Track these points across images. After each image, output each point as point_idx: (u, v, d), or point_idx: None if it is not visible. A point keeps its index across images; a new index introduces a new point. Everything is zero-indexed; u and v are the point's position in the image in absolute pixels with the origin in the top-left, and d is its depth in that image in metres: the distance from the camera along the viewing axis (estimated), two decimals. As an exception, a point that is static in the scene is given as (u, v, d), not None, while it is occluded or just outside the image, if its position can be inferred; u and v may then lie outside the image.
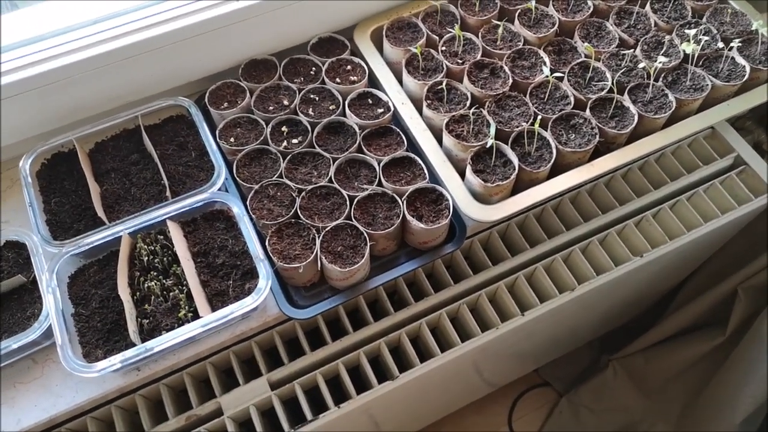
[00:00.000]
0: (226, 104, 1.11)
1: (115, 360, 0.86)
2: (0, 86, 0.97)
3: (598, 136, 1.02)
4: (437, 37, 1.16)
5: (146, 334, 0.89)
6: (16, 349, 0.89)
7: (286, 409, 1.20)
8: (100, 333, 0.91)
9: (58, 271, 0.93)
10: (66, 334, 0.87)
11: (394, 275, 1.02)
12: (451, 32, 1.15)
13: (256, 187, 1.01)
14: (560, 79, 1.09)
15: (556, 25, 1.16)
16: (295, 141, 1.07)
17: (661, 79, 1.09)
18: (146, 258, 0.95)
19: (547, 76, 1.06)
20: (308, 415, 1.14)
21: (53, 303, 0.89)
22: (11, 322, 0.91)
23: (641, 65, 1.09)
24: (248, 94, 1.12)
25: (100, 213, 0.98)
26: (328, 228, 0.97)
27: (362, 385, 1.17)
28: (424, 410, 1.72)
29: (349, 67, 1.16)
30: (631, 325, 1.99)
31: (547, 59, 1.11)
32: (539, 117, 1.04)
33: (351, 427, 1.30)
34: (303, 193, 1.00)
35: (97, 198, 1.00)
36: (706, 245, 1.47)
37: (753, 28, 1.13)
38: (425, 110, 1.08)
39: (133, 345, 0.89)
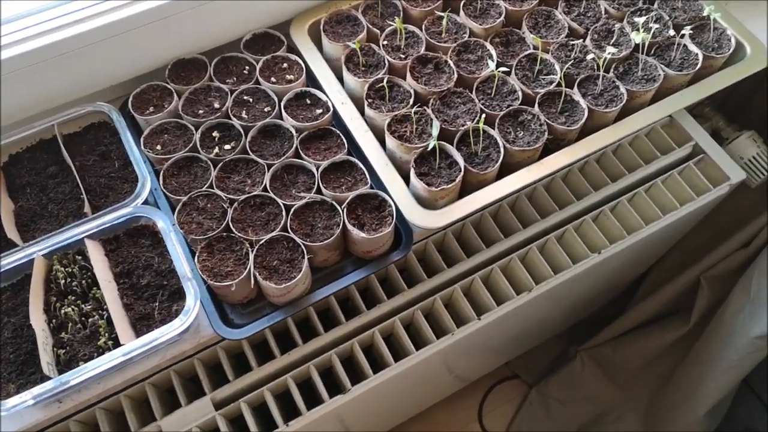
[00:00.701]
0: (151, 108, 1.03)
1: (27, 396, 0.78)
2: None
3: (547, 133, 0.97)
4: (378, 31, 1.10)
5: (63, 365, 0.82)
6: None
7: (235, 427, 1.14)
8: (12, 365, 0.83)
9: (-36, 299, 0.85)
10: (-29, 370, 0.80)
11: (336, 288, 0.96)
12: (392, 25, 1.09)
13: (185, 198, 0.94)
14: (507, 73, 1.03)
15: (503, 15, 1.10)
16: (227, 147, 1.00)
17: (611, 70, 1.04)
18: (63, 281, 0.87)
19: (493, 71, 1.00)
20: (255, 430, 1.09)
21: (-44, 337, 0.81)
22: None
23: (590, 56, 1.03)
24: (176, 97, 1.04)
25: (11, 233, 0.90)
26: (263, 241, 0.90)
27: (315, 398, 1.11)
28: (387, 414, 1.68)
29: (285, 65, 1.08)
30: (598, 316, 1.97)
31: (494, 52, 1.06)
32: (485, 114, 0.98)
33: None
34: (235, 204, 0.93)
35: (9, 216, 0.92)
36: (667, 237, 1.44)
37: (705, 14, 1.09)
38: (367, 110, 1.02)
39: (48, 377, 0.82)
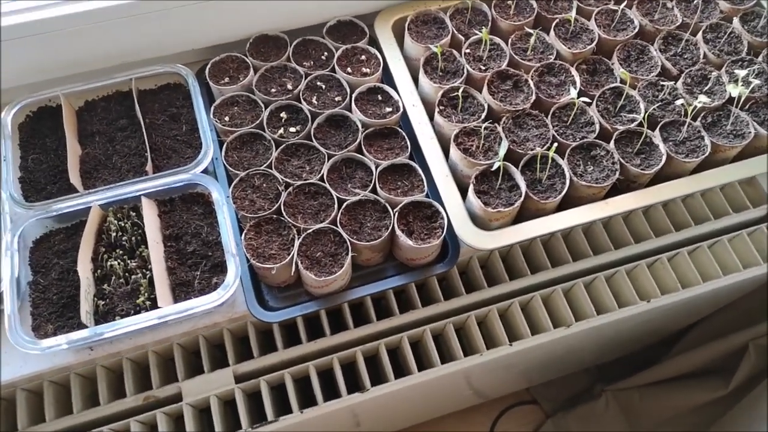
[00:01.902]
0: (227, 79, 1.04)
1: (63, 340, 0.81)
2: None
3: (618, 173, 0.93)
4: (463, 38, 1.07)
5: (100, 316, 0.84)
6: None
7: (250, 403, 1.15)
8: (54, 306, 0.86)
9: (22, 234, 0.88)
10: (17, 303, 0.83)
11: (374, 290, 0.96)
12: (478, 34, 1.06)
13: (242, 174, 0.94)
14: (588, 103, 0.99)
15: (595, 42, 1.05)
16: (292, 130, 1.00)
17: (699, 118, 0.99)
18: (114, 234, 0.89)
19: (574, 98, 0.96)
20: (270, 415, 1.09)
21: (9, 268, 0.84)
22: (-35, 281, 0.87)
23: (679, 101, 0.98)
24: (252, 72, 1.04)
25: (74, 178, 0.92)
26: (310, 231, 0.90)
27: (332, 389, 1.11)
28: (400, 416, 1.67)
29: (363, 57, 1.07)
30: (630, 358, 1.90)
31: (578, 78, 1.02)
32: (557, 143, 0.95)
33: (324, 429, 1.25)
34: (290, 189, 0.93)
35: (75, 161, 0.95)
36: (723, 297, 1.37)
37: (813, 77, 1.02)
38: (436, 116, 1.00)
39: (85, 326, 0.84)
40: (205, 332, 1.09)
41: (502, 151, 0.90)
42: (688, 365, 1.62)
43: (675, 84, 1.02)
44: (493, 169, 0.90)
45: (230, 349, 1.13)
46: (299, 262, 0.88)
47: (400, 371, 1.14)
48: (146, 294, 0.85)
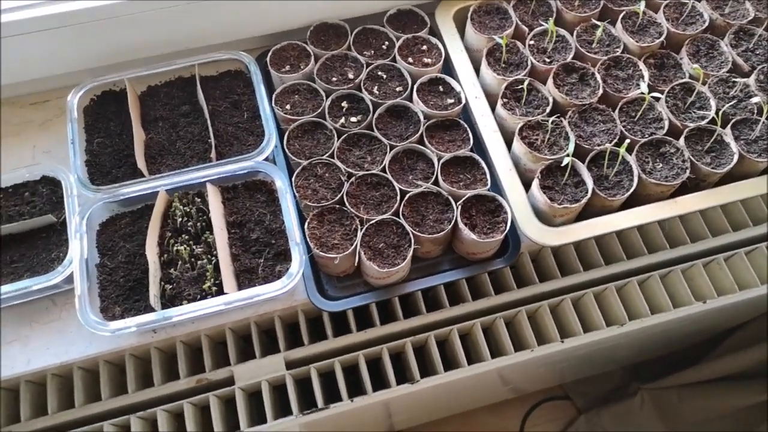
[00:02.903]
0: (288, 67, 1.04)
1: (131, 323, 0.82)
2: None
3: (688, 171, 0.91)
4: (527, 29, 1.05)
5: (167, 300, 0.85)
6: (36, 290, 0.86)
7: (298, 389, 1.16)
8: (121, 289, 0.87)
9: (90, 216, 0.89)
10: (86, 284, 0.84)
11: (433, 283, 0.95)
12: (543, 25, 1.04)
13: (305, 163, 0.94)
14: (656, 98, 0.97)
15: (663, 36, 1.03)
16: (353, 119, 0.99)
17: (773, 117, 0.96)
18: (180, 219, 0.90)
19: (642, 93, 0.94)
20: (320, 402, 1.10)
21: (79, 250, 0.85)
22: (35, 261, 0.89)
23: (754, 100, 0.95)
24: (313, 60, 1.04)
25: (140, 163, 0.93)
26: (373, 221, 0.90)
27: (379, 379, 1.12)
28: (434, 407, 1.67)
29: (424, 47, 1.06)
30: (667, 356, 1.87)
31: (646, 73, 0.99)
32: (627, 139, 0.93)
33: (360, 419, 1.26)
34: (353, 179, 0.93)
35: (140, 146, 0.95)
36: (777, 300, 1.34)
37: None
38: (499, 109, 0.99)
39: (152, 309, 0.85)
40: (257, 318, 1.10)
41: (571, 147, 0.88)
42: (730, 368, 1.58)
43: (747, 81, 0.99)
44: (563, 164, 0.89)
45: (281, 336, 1.14)
46: (362, 252, 0.88)
47: (448, 364, 1.13)
48: (212, 279, 0.85)
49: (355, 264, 0.89)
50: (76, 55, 1.02)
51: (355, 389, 1.14)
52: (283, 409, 1.11)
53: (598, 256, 1.19)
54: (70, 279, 0.88)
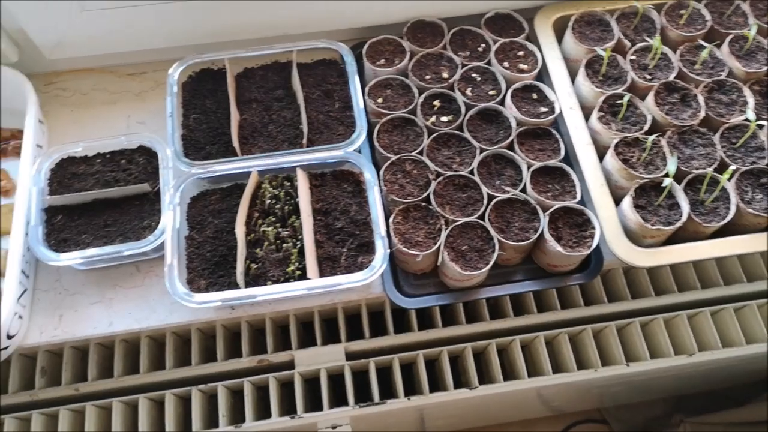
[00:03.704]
0: (382, 61, 1.04)
1: (217, 297, 0.84)
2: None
3: (790, 205, 0.88)
4: (629, 43, 1.03)
5: (250, 278, 0.87)
6: (124, 255, 0.89)
7: (356, 381, 1.16)
8: (207, 263, 0.89)
9: (183, 190, 0.91)
10: (177, 256, 0.86)
11: (510, 291, 0.94)
12: (647, 41, 1.02)
13: (394, 158, 0.94)
14: (760, 126, 0.94)
15: (772, 63, 0.99)
16: (444, 119, 0.99)
17: None
18: (268, 201, 0.91)
19: (747, 120, 0.91)
20: (376, 396, 1.10)
21: (171, 221, 0.87)
22: (127, 228, 0.91)
23: None
24: (408, 56, 1.04)
25: (236, 143, 0.95)
26: (459, 223, 0.89)
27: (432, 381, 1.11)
28: (472, 416, 1.66)
29: (521, 52, 1.05)
30: (714, 392, 1.82)
31: (751, 100, 0.96)
32: (726, 165, 0.90)
33: (399, 419, 1.26)
34: (440, 178, 0.93)
35: (235, 126, 0.97)
36: None
37: None
38: (594, 122, 0.97)
39: (236, 285, 0.87)
40: (321, 307, 1.11)
41: (672, 168, 0.86)
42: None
43: None
44: (663, 185, 0.87)
45: (342, 327, 1.15)
46: (446, 253, 0.87)
47: (507, 374, 1.12)
48: (296, 263, 0.86)
49: (439, 263, 0.89)
50: (177, 31, 1.04)
51: (411, 389, 1.14)
52: (338, 400, 1.12)
53: (671, 282, 1.17)
54: (158, 248, 0.90)
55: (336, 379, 1.12)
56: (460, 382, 1.15)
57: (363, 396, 1.09)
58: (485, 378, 1.14)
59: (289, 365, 1.12)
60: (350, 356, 1.12)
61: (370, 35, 1.07)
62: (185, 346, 1.17)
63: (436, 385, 1.12)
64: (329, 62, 1.07)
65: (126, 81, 1.11)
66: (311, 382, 1.15)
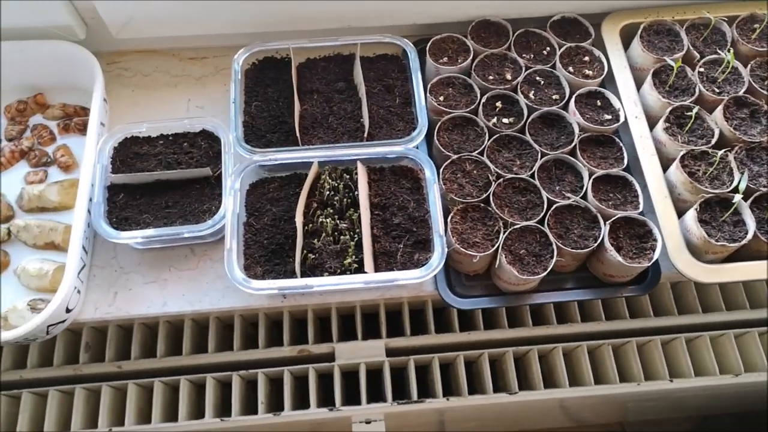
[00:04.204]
0: (445, 59, 1.04)
1: (275, 285, 0.84)
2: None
3: None
4: (698, 55, 1.01)
5: (307, 269, 0.87)
6: (183, 237, 0.89)
7: (395, 378, 1.16)
8: (264, 250, 0.89)
9: (243, 176, 0.91)
10: (236, 241, 0.86)
11: (562, 298, 0.93)
12: (717, 54, 1.00)
13: (454, 157, 0.94)
14: (832, 147, 0.91)
15: None
16: (506, 121, 0.98)
17: None
18: (327, 193, 0.91)
19: (820, 140, 0.89)
20: (414, 394, 1.10)
21: (231, 207, 0.88)
22: (187, 210, 0.92)
23: None
24: (471, 56, 1.03)
25: (298, 132, 0.95)
26: (518, 226, 0.88)
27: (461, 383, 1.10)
28: (493, 421, 1.64)
29: (586, 58, 1.03)
30: (748, 413, 1.78)
31: (823, 120, 0.94)
32: (797, 185, 0.88)
33: (421, 418, 1.25)
34: (500, 180, 0.92)
35: (297, 116, 0.97)
36: None
37: None
38: (660, 132, 0.95)
39: (291, 274, 0.87)
40: (362, 302, 1.11)
41: (742, 185, 0.85)
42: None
43: None
44: (733, 201, 0.85)
45: (383, 323, 1.15)
46: (503, 255, 0.86)
47: (545, 381, 1.11)
48: (353, 256, 0.86)
49: (496, 265, 0.88)
50: (243, 18, 1.05)
51: (447, 390, 1.13)
52: (374, 395, 1.12)
53: (719, 299, 1.15)
54: (216, 232, 0.90)
55: (369, 374, 1.12)
56: (497, 386, 1.14)
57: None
58: (523, 384, 1.14)
59: (329, 357, 1.12)
60: (390, 353, 1.12)
61: (431, 32, 1.06)
62: (225, 331, 1.18)
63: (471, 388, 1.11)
64: (391, 57, 1.07)
65: (187, 65, 1.12)
66: (349, 375, 1.15)
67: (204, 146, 0.96)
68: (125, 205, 0.91)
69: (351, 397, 1.09)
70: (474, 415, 1.38)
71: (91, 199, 0.89)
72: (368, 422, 1.14)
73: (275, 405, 1.11)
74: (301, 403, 1.09)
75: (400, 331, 1.13)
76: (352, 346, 1.12)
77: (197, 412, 1.10)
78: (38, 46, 1.00)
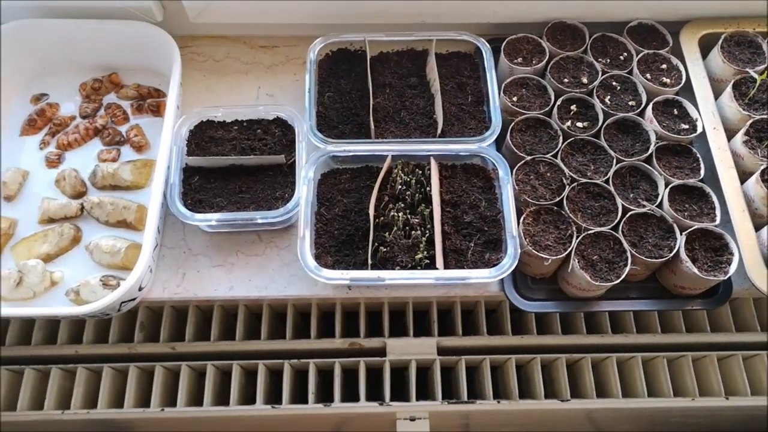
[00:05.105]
0: (520, 59, 1.03)
1: (347, 275, 0.84)
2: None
3: None
4: (780, 68, 0.99)
5: (377, 261, 0.87)
6: (256, 223, 0.90)
7: (444, 377, 1.15)
8: (334, 240, 0.89)
9: (316, 166, 0.92)
10: (309, 230, 0.86)
11: (633, 307, 0.93)
12: (801, 68, 0.98)
13: (528, 158, 0.93)
14: None
15: None
16: (580, 125, 0.97)
17: None
18: (399, 187, 0.91)
19: None
20: (464, 394, 1.10)
21: (305, 196, 0.88)
22: (260, 196, 0.92)
23: None
24: (547, 57, 1.02)
25: (372, 125, 0.95)
26: (591, 232, 0.87)
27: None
28: (519, 426, 1.62)
29: (664, 66, 1.02)
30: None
31: None
32: None
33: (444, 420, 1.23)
34: (575, 184, 0.91)
35: (371, 108, 0.97)
36: None
37: None
38: (738, 145, 0.94)
39: (360, 266, 0.87)
40: (414, 299, 1.10)
41: (829, 202, 0.83)
42: None
43: None
44: (819, 218, 0.83)
45: (435, 321, 1.14)
46: (576, 260, 0.86)
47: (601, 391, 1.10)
48: (424, 252, 0.86)
49: (569, 270, 0.87)
50: (319, 9, 1.05)
51: (496, 392, 1.12)
52: (422, 393, 1.11)
53: (778, 319, 1.12)
54: (285, 220, 0.91)
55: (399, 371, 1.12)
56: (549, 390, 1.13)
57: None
58: (574, 391, 1.12)
59: (381, 352, 1.12)
60: (442, 351, 1.12)
61: (503, 32, 1.06)
62: (276, 320, 1.19)
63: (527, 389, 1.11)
64: (463, 55, 1.06)
65: (258, 53, 1.13)
66: (401, 372, 1.15)
67: (277, 134, 0.97)
68: (200, 187, 0.92)
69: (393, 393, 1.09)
70: (500, 419, 1.37)
71: (168, 181, 0.90)
72: (413, 419, 1.13)
73: (323, 396, 1.11)
74: (347, 395, 1.09)
75: (448, 330, 1.13)
76: (403, 343, 1.12)
77: (246, 399, 1.10)
78: (119, 26, 1.01)
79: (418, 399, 1.08)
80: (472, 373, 1.18)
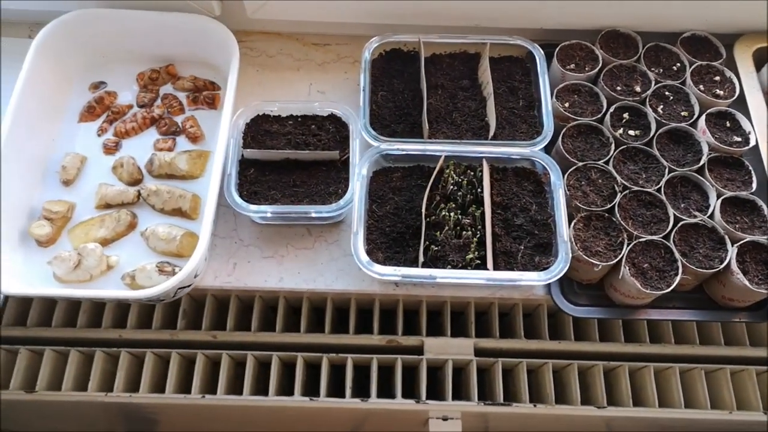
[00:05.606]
0: (572, 65, 1.03)
1: (399, 272, 0.85)
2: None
3: None
4: (836, 85, 0.99)
5: (428, 260, 0.88)
6: (309, 216, 0.91)
7: (480, 378, 1.16)
8: (386, 237, 0.91)
9: (369, 163, 0.93)
10: (362, 226, 0.88)
11: (680, 317, 0.93)
12: None
13: (580, 164, 0.94)
14: None
15: None
16: (632, 133, 0.98)
17: None
18: (450, 187, 0.92)
19: None
20: (500, 396, 1.10)
21: (359, 191, 0.89)
22: (314, 191, 0.94)
23: None
24: (599, 65, 1.03)
25: (426, 125, 0.96)
26: (643, 240, 0.88)
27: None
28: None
29: (717, 77, 1.02)
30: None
31: None
32: None
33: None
34: (626, 192, 0.92)
35: (425, 108, 0.98)
36: None
37: None
38: (791, 160, 0.94)
39: (411, 263, 0.88)
40: (452, 298, 1.11)
41: None
42: None
43: None
44: None
45: (472, 322, 1.15)
46: (627, 267, 0.86)
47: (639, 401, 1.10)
48: (475, 252, 0.87)
49: (619, 276, 0.88)
50: (372, 9, 1.06)
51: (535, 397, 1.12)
52: (456, 393, 1.12)
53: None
54: (338, 215, 0.92)
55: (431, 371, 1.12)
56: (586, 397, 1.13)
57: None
58: (609, 399, 1.12)
59: (418, 350, 1.13)
60: (479, 352, 1.12)
61: (555, 38, 1.06)
62: (314, 313, 1.20)
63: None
64: (515, 59, 1.07)
65: (310, 50, 1.14)
66: (436, 371, 1.15)
67: (331, 130, 0.98)
68: (255, 180, 0.94)
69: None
70: (517, 422, 1.37)
71: (225, 171, 0.92)
72: (445, 419, 1.14)
73: (359, 391, 1.12)
74: (381, 391, 1.09)
75: (483, 331, 1.13)
76: (441, 342, 1.13)
77: (284, 390, 1.12)
78: (179, 19, 1.03)
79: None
80: (505, 376, 1.18)
